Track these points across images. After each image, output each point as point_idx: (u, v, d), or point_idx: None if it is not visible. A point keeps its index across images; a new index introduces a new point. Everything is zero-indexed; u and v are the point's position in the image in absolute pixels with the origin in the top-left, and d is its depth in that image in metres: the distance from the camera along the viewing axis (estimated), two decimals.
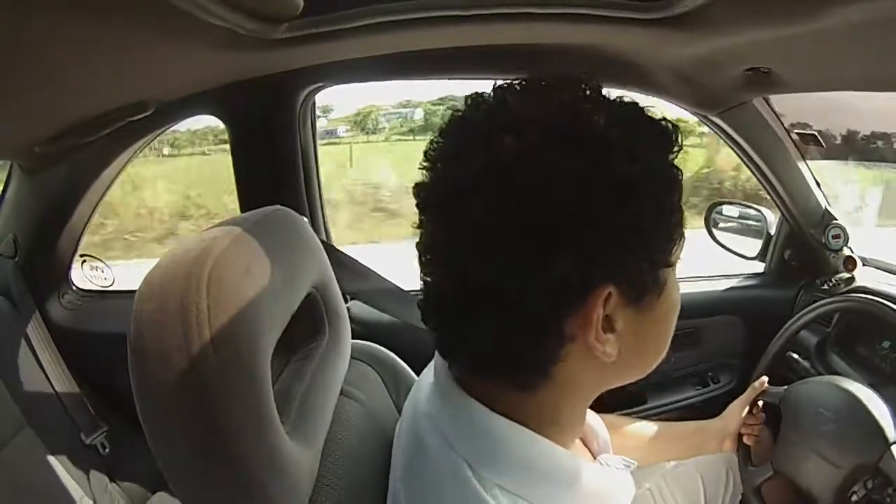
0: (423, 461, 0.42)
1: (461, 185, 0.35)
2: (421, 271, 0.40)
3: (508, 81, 0.38)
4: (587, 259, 0.34)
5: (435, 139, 0.39)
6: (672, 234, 0.38)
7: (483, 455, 0.39)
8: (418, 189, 0.39)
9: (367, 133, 5.43)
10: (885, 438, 0.69)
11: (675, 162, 0.38)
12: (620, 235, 0.35)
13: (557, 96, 0.36)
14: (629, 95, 0.39)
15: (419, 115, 5.28)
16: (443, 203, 0.37)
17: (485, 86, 0.39)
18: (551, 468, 0.40)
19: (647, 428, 0.82)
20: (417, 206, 0.40)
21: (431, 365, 0.51)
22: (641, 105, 0.38)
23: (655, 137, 0.37)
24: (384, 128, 5.48)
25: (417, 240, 0.40)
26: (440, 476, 0.39)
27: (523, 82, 0.38)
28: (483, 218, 0.34)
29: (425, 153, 0.39)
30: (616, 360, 0.38)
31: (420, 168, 0.39)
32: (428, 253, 0.39)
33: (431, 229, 0.39)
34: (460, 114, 0.39)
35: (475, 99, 0.38)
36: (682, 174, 0.38)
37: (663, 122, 0.38)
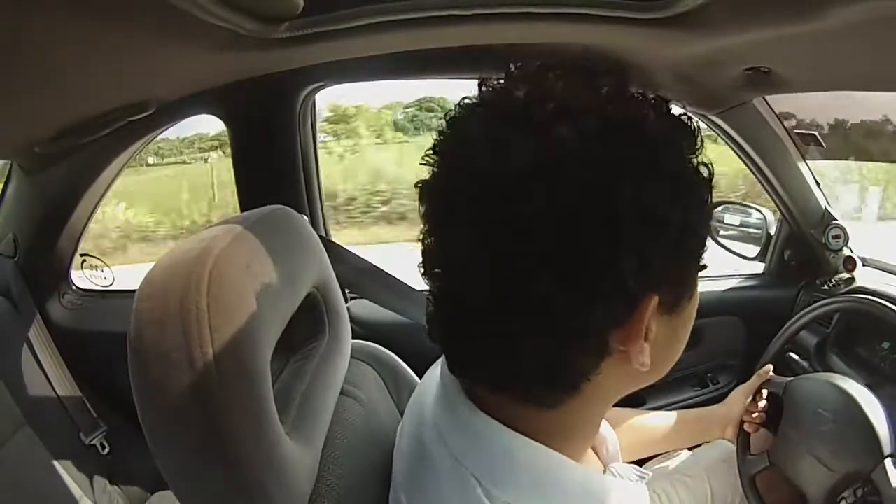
0: (429, 472, 0.40)
1: (499, 178, 0.30)
2: (431, 283, 0.36)
3: (534, 65, 0.34)
4: (645, 263, 0.31)
5: (444, 131, 0.34)
6: (707, 233, 0.36)
7: (492, 471, 0.36)
8: (428, 184, 0.34)
9: None
10: (880, 450, 0.69)
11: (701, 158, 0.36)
12: (674, 237, 0.32)
13: (604, 84, 0.32)
14: None
15: None
16: (473, 202, 0.31)
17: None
18: (563, 484, 0.38)
19: (652, 419, 0.81)
20: (425, 202, 0.35)
21: (434, 368, 0.50)
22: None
23: (689, 133, 0.35)
24: None
25: (422, 247, 0.36)
26: (447, 490, 0.37)
27: (555, 66, 0.33)
28: (535, 217, 0.30)
29: (435, 145, 0.34)
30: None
31: (424, 163, 0.34)
32: (445, 261, 0.35)
33: (452, 233, 0.33)
34: (478, 102, 0.34)
35: (497, 86, 0.34)
36: (712, 174, 0.36)
37: (685, 117, 0.36)
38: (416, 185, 0.35)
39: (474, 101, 0.34)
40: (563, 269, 0.30)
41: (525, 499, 0.36)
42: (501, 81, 0.34)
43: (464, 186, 0.32)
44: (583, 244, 0.30)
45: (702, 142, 0.35)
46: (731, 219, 1.29)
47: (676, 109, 0.36)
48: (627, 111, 0.32)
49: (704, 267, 0.37)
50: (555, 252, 0.30)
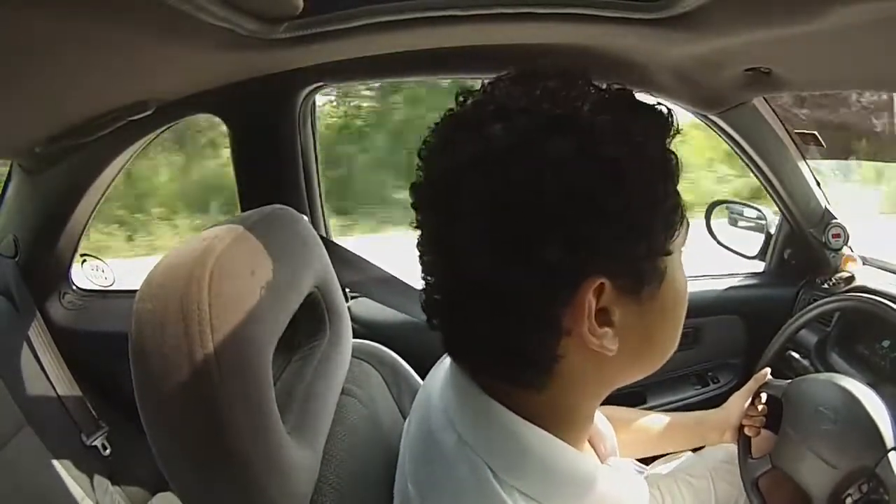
0: (438, 458, 0.41)
1: (451, 175, 0.35)
2: (421, 272, 0.40)
3: (497, 76, 0.38)
4: (575, 246, 0.33)
5: (427, 138, 0.38)
6: (668, 221, 0.37)
7: (503, 457, 0.38)
8: (413, 189, 0.39)
9: None
10: (883, 444, 0.69)
11: (671, 147, 0.37)
12: (610, 222, 0.34)
13: (544, 85, 0.35)
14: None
15: None
16: (434, 197, 0.37)
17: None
18: (570, 472, 0.39)
19: (650, 420, 0.81)
20: (413, 206, 0.39)
21: (440, 364, 0.50)
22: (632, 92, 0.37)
23: (647, 122, 0.36)
24: None
25: (417, 241, 0.39)
26: (457, 476, 0.38)
27: (511, 75, 0.38)
28: (474, 206, 0.34)
29: (418, 153, 0.38)
30: (620, 355, 0.37)
31: (415, 170, 0.39)
32: (425, 251, 0.39)
33: (426, 226, 0.38)
34: (452, 112, 0.38)
35: (464, 95, 0.38)
36: (677, 159, 0.37)
37: (657, 108, 0.37)
38: (409, 190, 0.39)
39: (451, 110, 0.39)
40: (497, 253, 0.34)
41: (534, 486, 0.38)
42: (472, 92, 0.38)
43: (427, 184, 0.38)
44: (513, 229, 0.33)
45: (669, 133, 0.37)
46: (731, 217, 1.29)
47: (641, 98, 0.37)
48: (559, 107, 0.34)
49: (669, 253, 0.37)
50: (491, 237, 0.34)
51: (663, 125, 0.37)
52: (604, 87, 0.37)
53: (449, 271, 0.37)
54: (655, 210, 0.36)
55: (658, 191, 0.36)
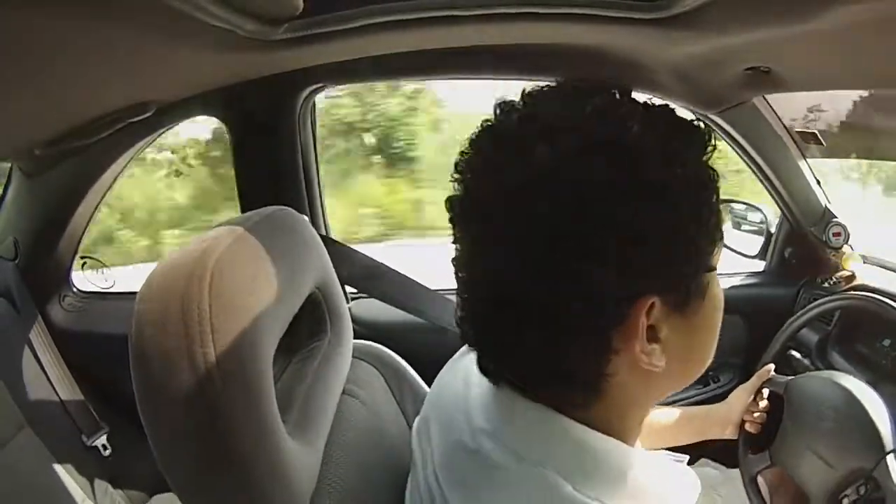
0: (500, 483, 0.38)
1: (496, 197, 0.35)
2: (458, 288, 0.39)
3: (539, 87, 0.37)
4: (626, 269, 0.33)
5: (465, 150, 0.38)
6: (712, 236, 0.37)
7: (578, 467, 0.37)
8: (451, 203, 0.38)
9: None
10: (882, 447, 0.69)
11: (710, 163, 0.37)
12: (660, 243, 0.34)
13: (590, 102, 0.35)
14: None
15: None
16: (478, 216, 0.36)
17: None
18: (643, 475, 0.39)
19: (654, 414, 0.81)
20: (451, 220, 0.38)
21: (451, 369, 0.50)
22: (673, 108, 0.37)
23: (689, 140, 0.36)
24: None
25: (453, 255, 0.39)
26: (525, 497, 0.36)
27: (554, 87, 0.37)
28: (521, 230, 0.33)
29: (456, 165, 0.38)
30: (666, 370, 0.36)
31: (451, 181, 0.38)
32: (465, 268, 0.38)
33: (468, 244, 0.38)
34: (490, 123, 0.37)
35: (505, 107, 0.37)
36: (717, 175, 0.37)
37: (695, 124, 0.37)
38: (445, 201, 0.39)
39: (489, 122, 0.38)
40: (545, 278, 0.33)
41: (613, 491, 0.37)
42: (511, 102, 0.37)
43: (470, 203, 0.37)
44: (564, 253, 0.33)
45: (711, 147, 0.37)
46: (731, 217, 1.29)
47: (681, 115, 0.37)
48: (608, 128, 0.34)
49: (713, 269, 0.38)
50: (542, 261, 0.33)
51: (703, 142, 0.37)
52: (646, 102, 0.37)
53: (491, 291, 0.36)
54: (701, 228, 0.36)
55: (703, 209, 0.36)
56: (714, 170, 0.37)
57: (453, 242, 0.39)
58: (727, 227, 1.30)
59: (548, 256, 0.33)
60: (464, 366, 0.48)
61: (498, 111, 0.37)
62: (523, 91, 0.37)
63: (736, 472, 0.87)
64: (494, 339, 0.38)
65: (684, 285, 0.36)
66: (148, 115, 0.95)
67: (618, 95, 0.36)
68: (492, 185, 0.35)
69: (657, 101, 0.37)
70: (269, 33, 0.76)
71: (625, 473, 0.38)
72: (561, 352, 0.35)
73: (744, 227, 1.27)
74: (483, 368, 0.41)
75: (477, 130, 0.38)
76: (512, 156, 0.34)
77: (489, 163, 0.36)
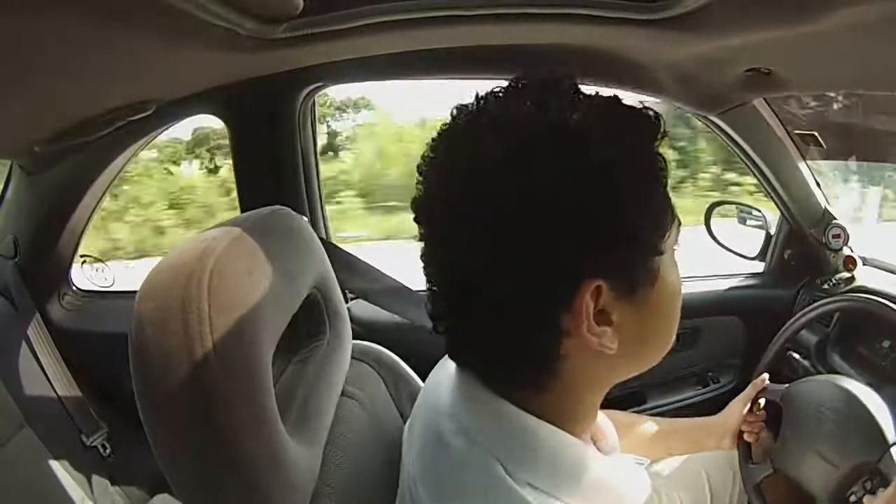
0: (449, 462, 0.41)
1: (447, 188, 0.37)
2: (426, 282, 0.41)
3: (490, 89, 0.39)
4: (570, 251, 0.35)
5: (425, 153, 0.40)
6: (660, 222, 0.38)
7: (514, 453, 0.39)
8: (414, 203, 0.40)
9: None
10: (884, 439, 0.69)
11: (660, 150, 0.38)
12: (601, 225, 0.35)
13: (533, 96, 0.37)
14: (629, 95, 0.39)
15: None
16: (433, 210, 0.39)
17: (482, 87, 0.40)
18: (577, 464, 0.40)
19: (648, 425, 0.82)
20: (415, 220, 0.41)
21: (441, 366, 0.51)
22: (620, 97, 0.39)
23: (635, 126, 0.37)
24: None
25: (420, 252, 0.41)
26: (471, 476, 0.39)
27: (502, 87, 0.39)
28: (472, 217, 0.35)
29: (418, 168, 0.40)
30: (619, 353, 0.38)
31: (416, 184, 0.40)
32: (428, 262, 0.40)
33: (428, 237, 0.40)
34: (445, 126, 0.39)
35: (459, 109, 0.39)
36: (665, 162, 0.38)
37: (645, 111, 0.38)
38: (410, 203, 0.41)
39: (446, 125, 0.40)
40: (491, 261, 0.35)
41: (545, 479, 0.38)
42: (467, 105, 0.39)
43: (426, 199, 0.39)
44: (509, 238, 0.35)
45: (657, 136, 0.38)
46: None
47: (629, 103, 0.38)
48: (550, 117, 0.36)
49: (660, 253, 0.38)
50: (489, 247, 0.35)
51: (652, 128, 0.38)
52: (593, 93, 0.38)
53: (451, 280, 0.39)
54: (646, 212, 0.37)
55: (648, 193, 0.37)
56: (663, 157, 0.38)
57: (419, 241, 0.41)
58: (727, 227, 1.30)
59: (496, 242, 0.35)
60: (452, 363, 0.48)
61: (454, 112, 0.39)
62: (476, 94, 0.39)
63: None
64: (456, 327, 0.40)
65: (631, 269, 0.37)
66: (148, 113, 0.95)
67: (562, 89, 0.37)
68: (444, 179, 0.38)
69: (603, 92, 0.38)
70: (269, 32, 0.76)
71: (563, 461, 0.40)
72: (515, 335, 0.37)
73: (752, 225, 1.27)
74: (451, 356, 0.43)
75: (435, 134, 0.40)
76: (460, 149, 0.37)
77: (443, 158, 0.39)
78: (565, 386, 0.39)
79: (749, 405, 0.82)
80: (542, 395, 0.40)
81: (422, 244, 0.40)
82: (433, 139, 0.40)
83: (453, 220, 0.37)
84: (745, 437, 0.82)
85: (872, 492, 0.69)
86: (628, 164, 0.35)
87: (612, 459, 0.46)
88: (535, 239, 0.34)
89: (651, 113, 0.38)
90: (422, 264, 0.41)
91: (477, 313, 0.38)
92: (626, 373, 0.42)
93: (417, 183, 0.40)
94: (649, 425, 0.82)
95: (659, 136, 0.38)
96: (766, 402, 0.82)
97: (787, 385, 0.82)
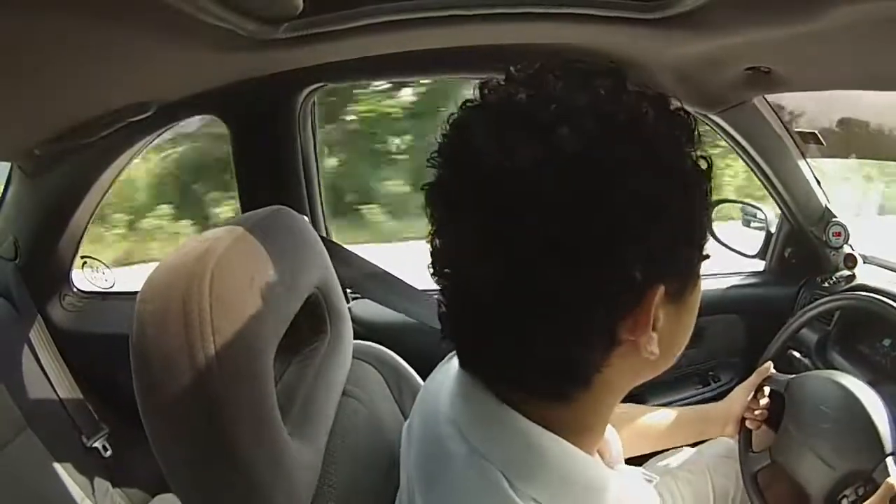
0: (448, 469, 0.39)
1: (510, 177, 0.31)
2: (441, 282, 0.37)
3: (530, 68, 0.35)
4: (644, 254, 0.32)
5: (447, 133, 0.35)
6: (709, 224, 0.38)
7: (520, 466, 0.37)
8: (435, 189, 0.36)
9: None
10: (881, 449, 0.69)
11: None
12: (677, 229, 0.34)
13: (599, 84, 0.34)
14: None
15: None
16: (481, 201, 0.33)
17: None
18: (585, 480, 0.38)
19: (649, 417, 0.81)
20: (429, 209, 0.36)
21: (440, 368, 0.50)
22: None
23: (688, 128, 0.36)
24: None
25: (430, 248, 0.37)
26: (470, 486, 0.37)
27: (550, 68, 0.35)
28: (541, 213, 0.31)
29: (438, 150, 0.35)
30: (655, 357, 0.36)
31: (429, 166, 0.35)
32: (454, 260, 0.36)
33: (461, 231, 0.34)
34: (478, 104, 0.35)
35: (495, 88, 0.35)
36: (710, 162, 0.37)
37: (683, 112, 0.37)
38: (421, 188, 0.36)
39: (475, 103, 0.35)
40: (568, 262, 0.31)
41: (550, 494, 0.37)
42: (502, 84, 0.35)
43: (471, 186, 0.33)
44: (586, 239, 0.31)
45: (699, 136, 0.37)
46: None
47: (674, 105, 0.37)
48: (625, 110, 0.33)
49: (707, 256, 0.38)
50: (560, 246, 0.31)
51: (692, 130, 0.37)
52: (642, 89, 0.36)
53: (494, 282, 0.33)
54: (707, 213, 0.37)
55: (706, 193, 0.37)
56: (708, 159, 0.37)
57: (433, 234, 0.36)
58: (728, 227, 1.30)
59: (566, 241, 0.31)
60: (453, 364, 0.48)
61: (486, 91, 0.35)
62: (509, 70, 0.35)
63: None
64: (488, 335, 0.36)
65: (688, 272, 0.37)
66: (148, 114, 0.95)
67: (624, 81, 0.35)
68: (496, 166, 0.32)
69: (650, 90, 0.36)
70: (269, 33, 0.76)
71: (570, 477, 0.38)
72: (565, 347, 0.34)
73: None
74: (461, 360, 0.40)
75: (459, 112, 0.35)
76: (526, 136, 0.31)
77: (493, 141, 0.32)
78: (591, 398, 0.37)
79: (753, 393, 0.82)
80: (561, 407, 0.37)
81: (437, 239, 0.36)
82: (461, 117, 0.35)
83: (506, 212, 0.32)
84: (748, 424, 0.81)
85: (865, 498, 0.69)
86: (694, 167, 0.35)
87: (624, 478, 0.45)
88: (612, 241, 0.31)
89: (687, 114, 0.37)
90: (435, 263, 0.37)
91: (514, 320, 0.33)
92: (647, 377, 0.40)
93: (436, 164, 0.35)
94: (651, 416, 0.81)
95: (698, 141, 0.37)
96: (770, 391, 0.82)
97: (791, 376, 0.82)
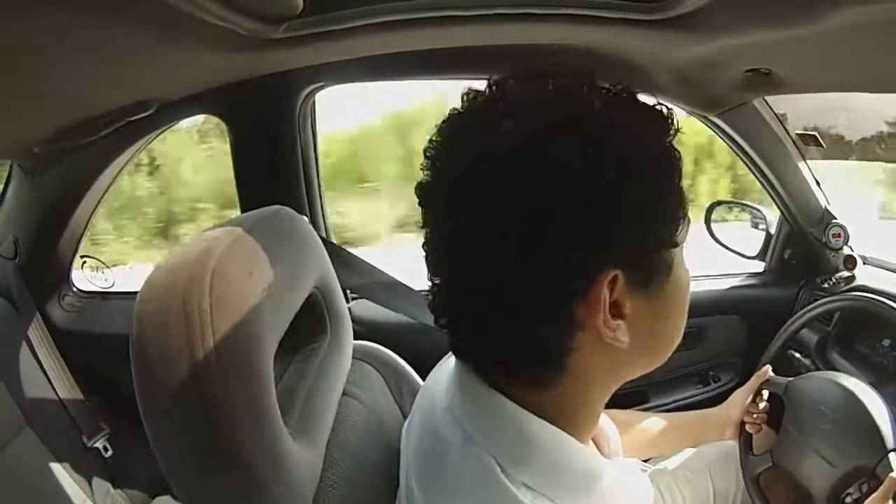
0: (444, 457, 0.40)
1: (459, 173, 0.36)
2: (428, 272, 0.40)
3: (504, 76, 0.38)
4: (589, 241, 0.34)
5: (433, 137, 0.38)
6: (675, 214, 0.38)
7: (512, 452, 0.38)
8: (419, 188, 0.39)
9: None
10: (883, 445, 0.69)
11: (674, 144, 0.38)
12: (621, 216, 0.35)
13: (555, 84, 0.36)
14: None
15: None
16: (442, 195, 0.37)
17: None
18: (577, 467, 0.40)
19: (649, 421, 0.82)
20: (419, 205, 0.39)
21: (442, 364, 0.50)
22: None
23: (651, 120, 0.38)
24: None
25: (424, 240, 0.40)
26: (465, 472, 0.38)
27: (518, 75, 0.38)
28: (486, 203, 0.34)
29: (424, 152, 0.39)
30: (630, 347, 0.37)
31: (420, 168, 0.39)
32: (432, 251, 0.39)
33: (433, 226, 0.39)
34: (458, 111, 0.38)
35: (471, 93, 0.38)
36: (680, 156, 0.38)
37: (659, 107, 0.38)
38: (415, 188, 0.39)
39: (456, 109, 0.39)
40: (515, 249, 0.34)
41: (542, 480, 0.38)
42: (482, 90, 0.38)
43: (436, 185, 0.38)
44: (527, 225, 0.34)
45: (674, 130, 0.38)
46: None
47: (644, 100, 0.38)
48: (572, 105, 0.35)
49: (675, 245, 0.38)
50: (505, 234, 0.34)
51: (666, 123, 0.38)
52: (609, 87, 0.38)
53: (457, 270, 0.37)
54: (662, 203, 0.37)
55: (664, 184, 0.37)
56: (677, 151, 0.38)
57: (422, 227, 0.39)
58: (729, 227, 1.30)
59: (513, 228, 0.34)
60: (451, 360, 0.48)
61: (466, 97, 0.38)
62: (489, 80, 0.38)
63: None
64: (462, 320, 0.39)
65: (647, 260, 0.37)
66: (148, 113, 0.95)
67: (583, 79, 0.37)
68: (458, 160, 0.36)
69: (620, 87, 0.38)
70: (269, 32, 0.76)
71: (565, 465, 0.39)
72: (527, 327, 0.36)
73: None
74: (454, 350, 0.42)
75: (445, 117, 0.38)
76: (477, 132, 0.35)
77: (454, 141, 0.37)
78: (572, 383, 0.38)
79: (752, 396, 0.82)
80: (545, 393, 0.39)
81: (425, 229, 0.39)
82: (443, 122, 0.38)
83: (464, 207, 0.35)
84: (747, 427, 0.81)
85: (868, 495, 0.69)
86: (648, 155, 0.36)
87: (617, 465, 0.46)
88: (552, 227, 0.34)
89: (664, 108, 0.38)
90: (424, 252, 0.40)
91: (483, 304, 0.36)
92: (634, 371, 0.41)
93: (423, 168, 0.39)
94: (650, 422, 0.82)
95: (673, 131, 0.38)
96: (770, 394, 0.82)
97: (790, 378, 0.82)
